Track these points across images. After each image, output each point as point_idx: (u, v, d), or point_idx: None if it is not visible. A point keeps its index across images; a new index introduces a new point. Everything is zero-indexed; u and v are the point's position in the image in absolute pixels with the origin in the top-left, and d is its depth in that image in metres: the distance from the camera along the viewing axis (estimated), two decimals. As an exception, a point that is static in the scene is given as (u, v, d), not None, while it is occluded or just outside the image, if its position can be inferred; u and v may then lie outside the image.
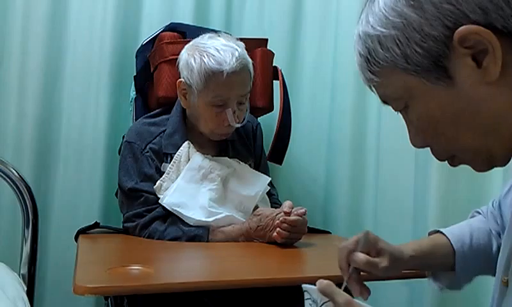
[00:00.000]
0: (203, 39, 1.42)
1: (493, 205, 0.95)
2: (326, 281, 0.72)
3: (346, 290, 0.80)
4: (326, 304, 0.72)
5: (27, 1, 1.72)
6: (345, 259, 0.85)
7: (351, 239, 0.87)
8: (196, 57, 1.39)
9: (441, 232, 0.94)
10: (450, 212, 1.47)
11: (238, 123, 1.43)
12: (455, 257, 0.90)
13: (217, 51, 1.37)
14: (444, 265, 0.92)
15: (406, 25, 0.62)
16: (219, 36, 1.43)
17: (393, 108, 0.70)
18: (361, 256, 0.83)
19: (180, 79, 1.45)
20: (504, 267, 0.72)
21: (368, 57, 0.66)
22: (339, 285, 0.75)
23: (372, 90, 0.71)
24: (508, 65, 0.59)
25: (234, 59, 1.36)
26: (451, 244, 0.91)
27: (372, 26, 0.65)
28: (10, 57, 1.72)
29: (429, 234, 0.98)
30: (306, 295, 0.76)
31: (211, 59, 1.36)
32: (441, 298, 1.46)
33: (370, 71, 0.67)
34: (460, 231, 0.93)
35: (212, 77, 1.36)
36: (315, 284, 0.73)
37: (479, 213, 0.99)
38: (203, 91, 1.39)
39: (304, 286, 0.76)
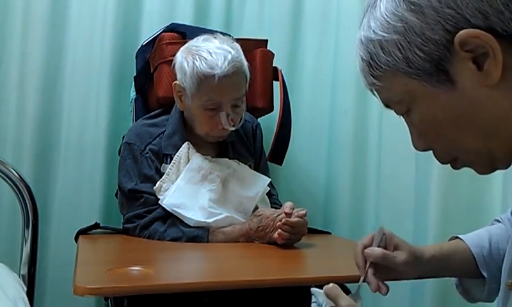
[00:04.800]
0: (198, 42, 1.41)
1: (511, 213, 0.95)
2: (331, 285, 0.74)
3: (355, 294, 0.80)
4: None
5: (27, 1, 1.72)
6: (360, 255, 0.86)
7: (366, 236, 0.87)
8: (189, 60, 1.38)
9: (460, 238, 0.94)
10: (451, 211, 1.48)
11: (233, 126, 1.42)
12: (476, 263, 0.90)
13: (209, 54, 1.36)
14: (464, 270, 0.92)
15: (407, 30, 0.62)
16: (215, 37, 1.42)
17: (396, 112, 0.70)
18: (376, 250, 0.84)
19: (175, 81, 1.44)
20: (508, 270, 0.72)
21: (371, 61, 0.67)
22: (341, 287, 0.75)
23: (374, 94, 0.71)
24: (509, 68, 0.60)
25: (226, 63, 1.34)
26: (469, 249, 0.91)
27: (373, 31, 0.65)
28: (10, 57, 1.72)
29: (449, 240, 0.97)
30: (313, 298, 0.78)
31: (203, 62, 1.35)
32: (443, 298, 1.46)
33: (372, 76, 0.68)
34: (478, 237, 0.93)
35: (204, 80, 1.36)
36: (321, 287, 0.75)
37: (499, 221, 0.98)
38: (196, 94, 1.39)
39: (312, 289, 0.78)
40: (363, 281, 0.84)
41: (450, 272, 0.95)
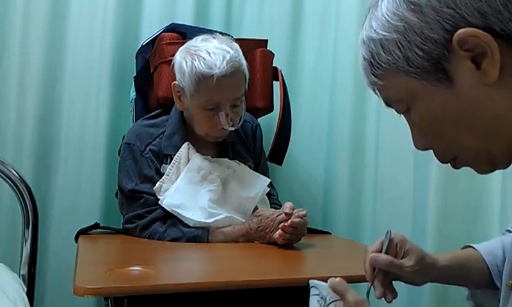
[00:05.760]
0: (196, 42, 1.41)
1: None
2: (338, 279, 0.73)
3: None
4: (334, 302, 0.72)
5: (27, 1, 1.72)
6: (368, 262, 0.86)
7: (376, 241, 0.87)
8: (187, 60, 1.38)
9: (473, 247, 0.93)
10: (450, 212, 1.48)
11: (232, 126, 1.42)
12: (490, 272, 0.89)
13: (208, 54, 1.35)
14: (478, 280, 0.90)
15: (407, 29, 0.63)
16: (214, 37, 1.41)
17: (396, 110, 0.71)
18: (384, 258, 0.84)
19: (174, 81, 1.44)
20: (509, 271, 0.72)
21: (372, 60, 0.67)
22: None
23: (376, 93, 0.72)
24: (506, 67, 0.60)
25: (225, 63, 1.34)
26: (483, 258, 0.90)
27: (375, 30, 0.66)
28: (10, 56, 1.72)
29: (461, 249, 0.96)
30: (313, 291, 0.75)
31: (202, 62, 1.35)
32: (440, 298, 1.46)
33: (373, 75, 0.68)
34: (492, 246, 0.92)
35: (203, 80, 1.35)
36: (324, 281, 0.74)
37: (510, 231, 0.96)
38: (194, 94, 1.38)
39: (312, 281, 0.76)
40: (371, 286, 0.84)
41: (463, 281, 0.93)
